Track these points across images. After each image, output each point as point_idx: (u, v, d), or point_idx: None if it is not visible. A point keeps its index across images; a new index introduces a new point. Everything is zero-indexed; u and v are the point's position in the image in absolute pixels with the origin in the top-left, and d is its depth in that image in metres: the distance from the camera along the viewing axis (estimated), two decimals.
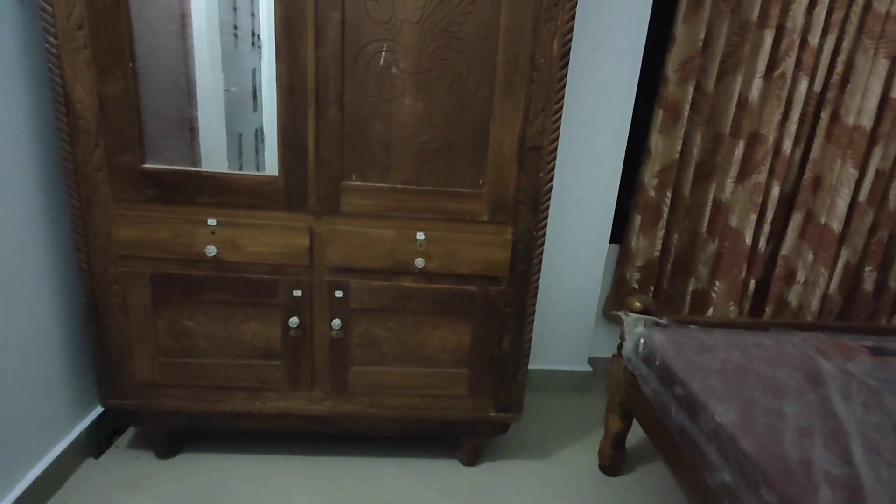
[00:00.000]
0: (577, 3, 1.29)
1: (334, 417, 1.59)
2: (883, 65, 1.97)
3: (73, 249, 1.42)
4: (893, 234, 2.22)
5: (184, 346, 1.48)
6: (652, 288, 2.18)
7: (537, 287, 1.52)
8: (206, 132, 1.42)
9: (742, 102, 1.99)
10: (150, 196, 1.35)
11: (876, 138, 2.07)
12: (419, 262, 1.44)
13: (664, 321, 1.61)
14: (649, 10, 1.83)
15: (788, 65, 1.95)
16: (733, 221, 2.13)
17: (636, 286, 2.17)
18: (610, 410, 1.70)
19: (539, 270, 1.51)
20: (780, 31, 1.93)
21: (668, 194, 2.06)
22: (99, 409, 1.64)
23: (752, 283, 2.22)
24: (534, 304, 1.54)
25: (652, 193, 2.06)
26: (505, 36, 1.30)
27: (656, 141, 2.00)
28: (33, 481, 1.39)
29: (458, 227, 1.45)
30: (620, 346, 1.63)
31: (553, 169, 1.42)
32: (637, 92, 1.91)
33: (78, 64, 1.25)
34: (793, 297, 2.25)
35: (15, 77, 1.30)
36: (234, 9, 1.35)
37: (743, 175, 2.08)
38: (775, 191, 2.09)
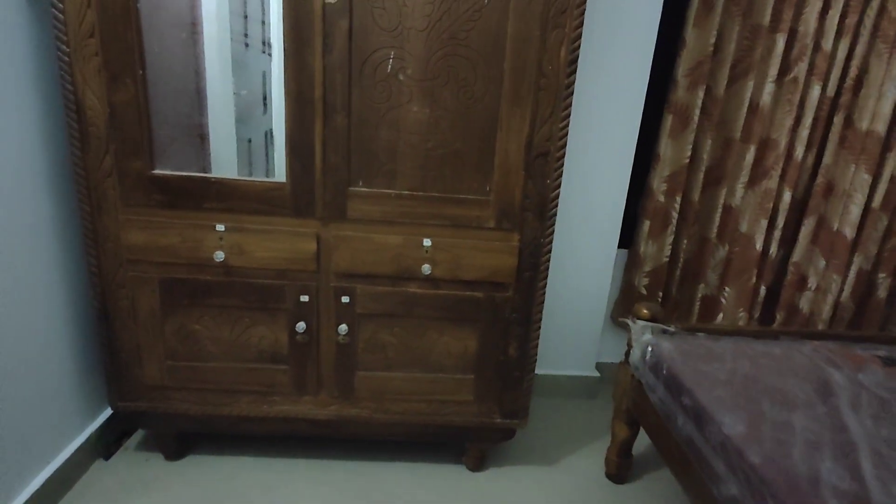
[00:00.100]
0: (585, 10, 1.29)
1: (340, 422, 1.60)
2: None
3: (83, 254, 1.44)
4: None
5: (191, 349, 1.50)
6: (660, 293, 2.16)
7: (544, 294, 1.52)
8: (215, 137, 1.43)
9: (753, 107, 1.97)
10: (159, 201, 1.37)
11: (890, 144, 2.04)
12: (425, 268, 1.44)
13: (672, 329, 1.60)
14: (659, 15, 1.82)
15: (801, 69, 1.92)
16: (743, 227, 2.11)
17: (644, 291, 2.15)
18: (617, 418, 1.69)
19: (546, 277, 1.50)
20: (792, 35, 1.90)
21: (678, 199, 2.05)
22: (109, 412, 1.67)
23: (763, 290, 2.19)
24: (540, 311, 1.53)
25: (661, 198, 2.04)
26: (512, 43, 1.30)
27: (665, 146, 1.99)
28: (45, 482, 1.41)
29: (465, 233, 1.45)
30: (628, 354, 1.62)
31: (560, 176, 1.42)
32: (647, 96, 1.90)
33: (89, 71, 1.26)
34: (804, 304, 2.22)
35: (27, 84, 1.32)
36: (245, 17, 1.36)
37: (754, 180, 2.06)
38: (787, 196, 2.07)
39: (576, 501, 1.65)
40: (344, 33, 1.27)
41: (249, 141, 1.45)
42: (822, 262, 2.17)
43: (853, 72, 1.96)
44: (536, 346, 1.57)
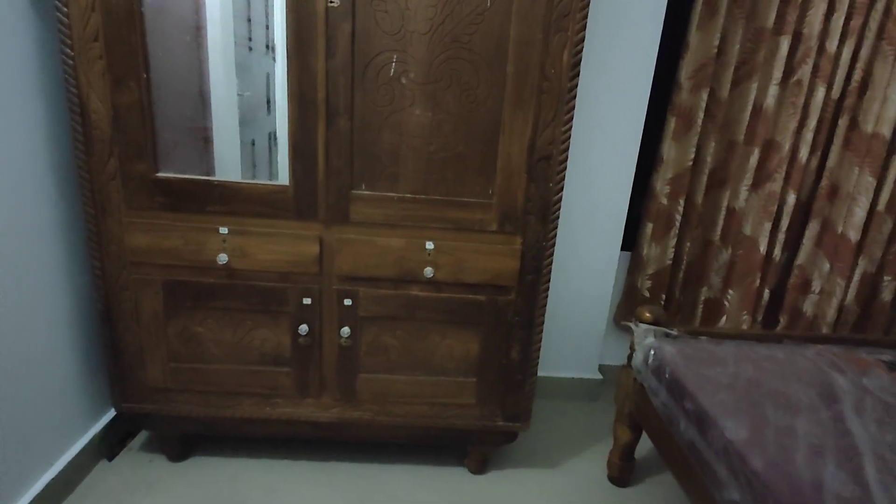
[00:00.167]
0: (588, 13, 1.29)
1: (342, 424, 1.60)
2: None
3: (87, 256, 1.44)
4: None
5: (194, 352, 1.50)
6: (663, 296, 2.16)
7: (546, 297, 1.52)
8: (219, 140, 1.44)
9: (757, 110, 1.96)
10: (163, 204, 1.37)
11: (895, 146, 2.03)
12: (428, 271, 1.44)
13: (674, 332, 1.60)
14: (662, 18, 1.81)
15: (805, 72, 1.91)
16: (747, 230, 2.10)
17: (647, 294, 2.15)
18: (619, 421, 1.69)
19: (548, 280, 1.50)
20: (796, 38, 1.90)
21: (681, 202, 2.04)
22: (112, 413, 1.67)
23: (767, 293, 2.18)
24: (542, 314, 1.53)
25: (664, 201, 2.04)
26: (515, 46, 1.30)
27: (669, 148, 1.98)
28: (49, 482, 1.42)
29: (467, 236, 1.45)
30: (630, 357, 1.61)
31: (563, 179, 1.41)
32: (650, 99, 1.90)
33: (93, 75, 1.27)
34: (808, 307, 2.21)
35: (32, 87, 1.32)
36: (249, 20, 1.36)
37: (757, 183, 2.06)
38: (791, 199, 2.06)
39: None
40: (347, 36, 1.27)
41: (253, 143, 1.45)
42: (827, 266, 2.16)
43: (858, 74, 1.95)
44: (539, 349, 1.56)
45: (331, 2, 1.24)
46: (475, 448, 1.70)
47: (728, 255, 2.14)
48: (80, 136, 1.30)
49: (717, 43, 1.86)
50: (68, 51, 1.24)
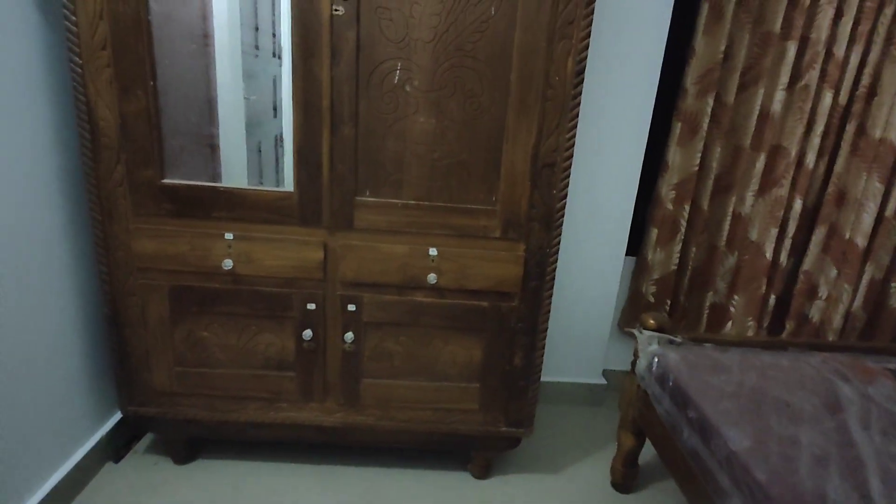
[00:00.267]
0: (592, 21, 1.28)
1: (346, 429, 1.61)
2: None
3: (94, 262, 1.46)
4: None
5: (200, 356, 1.51)
6: (668, 301, 2.15)
7: (550, 303, 1.52)
8: (226, 146, 1.45)
9: (763, 115, 1.95)
10: (169, 210, 1.38)
11: None
12: (431, 277, 1.45)
13: (678, 339, 1.59)
14: (668, 24, 1.81)
15: (812, 77, 1.90)
16: (753, 235, 2.09)
17: (652, 299, 2.14)
18: (623, 427, 1.68)
19: (552, 287, 1.50)
20: (804, 43, 1.89)
21: (686, 207, 2.03)
22: (119, 416, 1.69)
23: (773, 299, 2.17)
24: (546, 321, 1.53)
25: (669, 206, 2.03)
26: (519, 54, 1.30)
27: (674, 153, 1.98)
28: (56, 485, 1.43)
29: (471, 243, 1.45)
30: (634, 364, 1.61)
31: (567, 186, 1.41)
32: (655, 104, 1.89)
33: (101, 83, 1.28)
34: (814, 313, 2.20)
35: (40, 95, 1.34)
36: (256, 29, 1.37)
37: (764, 188, 2.04)
38: (797, 205, 2.05)
39: None
40: (351, 44, 1.28)
41: (259, 147, 1.46)
42: (834, 272, 2.15)
43: (866, 79, 1.93)
44: (542, 355, 1.57)
45: (336, 10, 1.25)
46: (478, 453, 1.70)
47: (734, 260, 2.13)
48: (88, 144, 1.32)
49: (723, 48, 1.85)
50: (77, 59, 1.26)
